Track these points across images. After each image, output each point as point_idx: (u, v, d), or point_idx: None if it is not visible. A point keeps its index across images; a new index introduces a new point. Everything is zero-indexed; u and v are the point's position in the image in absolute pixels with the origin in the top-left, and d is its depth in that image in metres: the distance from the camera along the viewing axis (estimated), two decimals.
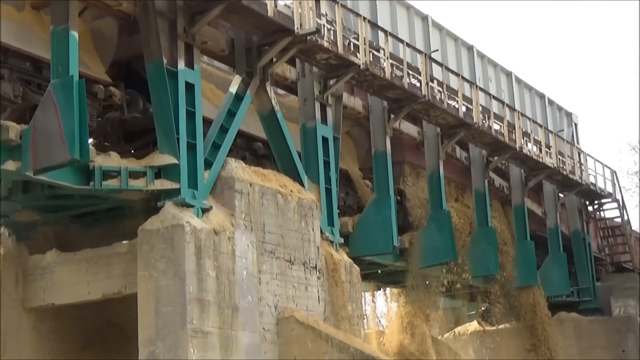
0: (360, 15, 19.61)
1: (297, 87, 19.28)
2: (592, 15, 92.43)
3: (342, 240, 18.91)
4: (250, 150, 19.05)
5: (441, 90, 22.38)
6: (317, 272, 17.34)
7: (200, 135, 15.65)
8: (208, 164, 15.78)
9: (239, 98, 16.90)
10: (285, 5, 18.08)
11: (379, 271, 23.41)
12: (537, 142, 27.43)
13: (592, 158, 31.62)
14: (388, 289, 26.92)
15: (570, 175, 28.97)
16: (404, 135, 23.51)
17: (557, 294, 29.04)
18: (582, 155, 30.68)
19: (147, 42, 15.36)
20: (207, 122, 16.33)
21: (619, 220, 33.67)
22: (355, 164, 22.72)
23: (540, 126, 28.41)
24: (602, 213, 33.70)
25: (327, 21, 18.24)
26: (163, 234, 14.58)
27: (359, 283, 18.61)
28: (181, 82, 15.43)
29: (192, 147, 15.44)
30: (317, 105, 18.90)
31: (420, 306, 23.98)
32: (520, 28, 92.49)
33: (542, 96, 31.29)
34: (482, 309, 29.22)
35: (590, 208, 32.49)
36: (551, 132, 28.98)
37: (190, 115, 15.55)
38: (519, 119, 26.23)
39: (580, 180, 29.61)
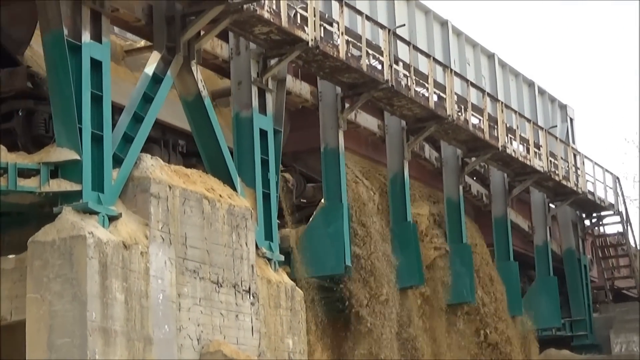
0: None
1: (229, 67, 19.32)
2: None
3: (282, 258, 19.01)
4: None
5: (408, 74, 22.54)
6: (251, 297, 17.38)
7: (108, 125, 15.61)
8: (117, 161, 15.74)
9: (157, 80, 16.88)
10: None
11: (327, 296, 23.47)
12: (524, 141, 27.71)
13: (591, 161, 32.05)
14: None
15: (564, 182, 29.31)
16: (361, 128, 23.64)
17: (545, 327, 29.32)
18: (578, 157, 31.06)
19: (43, 9, 15.28)
20: (117, 109, 16.30)
21: (621, 237, 34.07)
22: None
23: (529, 121, 28.71)
24: (601, 228, 34.09)
25: None
26: (60, 247, 14.52)
27: (302, 310, 18.70)
28: (86, 58, 15.38)
29: (98, 140, 15.39)
30: (255, 90, 18.95)
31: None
32: (508, 14, 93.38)
33: (531, 84, 31.61)
34: None
35: (587, 222, 32.89)
36: (542, 128, 29.32)
37: (97, 100, 15.50)
38: (502, 111, 26.48)
39: (575, 188, 29.98)
